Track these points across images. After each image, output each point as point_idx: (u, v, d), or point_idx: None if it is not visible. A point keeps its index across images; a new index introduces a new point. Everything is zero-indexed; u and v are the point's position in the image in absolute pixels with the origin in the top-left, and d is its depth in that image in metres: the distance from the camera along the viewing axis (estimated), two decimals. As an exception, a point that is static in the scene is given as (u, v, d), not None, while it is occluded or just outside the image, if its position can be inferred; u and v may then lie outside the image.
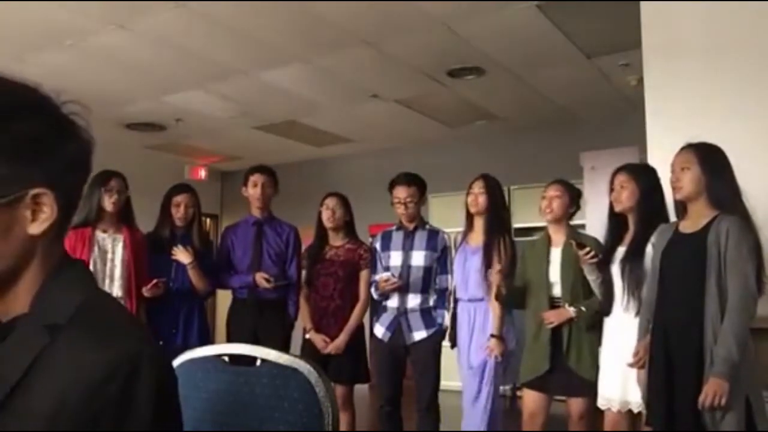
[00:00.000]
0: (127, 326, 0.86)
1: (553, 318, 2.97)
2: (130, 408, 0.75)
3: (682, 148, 2.39)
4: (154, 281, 3.27)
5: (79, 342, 0.77)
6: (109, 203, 3.27)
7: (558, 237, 3.11)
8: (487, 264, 3.22)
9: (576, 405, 2.98)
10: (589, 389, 2.85)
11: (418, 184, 3.52)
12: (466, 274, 3.35)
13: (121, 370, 0.75)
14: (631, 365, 2.54)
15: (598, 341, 2.89)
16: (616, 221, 2.83)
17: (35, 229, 0.80)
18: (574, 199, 3.15)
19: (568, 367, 2.93)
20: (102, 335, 0.79)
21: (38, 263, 0.83)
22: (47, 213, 0.80)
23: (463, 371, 3.33)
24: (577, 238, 2.93)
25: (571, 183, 3.25)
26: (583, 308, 2.91)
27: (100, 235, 3.29)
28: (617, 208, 2.78)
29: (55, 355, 0.76)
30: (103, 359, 0.75)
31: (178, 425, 0.86)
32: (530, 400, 3.06)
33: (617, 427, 2.71)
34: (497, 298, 3.13)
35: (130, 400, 0.75)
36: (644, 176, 2.77)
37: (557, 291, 3.03)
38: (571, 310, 2.94)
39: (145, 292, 3.28)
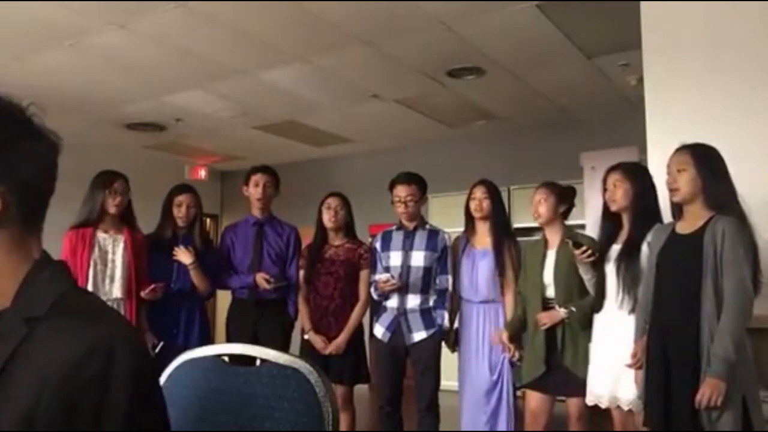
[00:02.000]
0: (104, 314, 0.91)
1: (545, 320, 3.00)
2: (108, 388, 0.78)
3: (678, 150, 2.39)
4: (152, 286, 3.27)
5: (57, 330, 0.81)
6: (112, 205, 3.27)
7: (553, 238, 3.14)
8: (499, 267, 3.33)
9: (574, 404, 3.00)
10: (586, 389, 2.87)
11: (418, 183, 3.52)
12: (476, 277, 3.40)
13: (98, 352, 0.79)
14: (629, 366, 2.55)
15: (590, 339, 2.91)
16: (611, 220, 2.85)
17: None
18: (562, 198, 3.16)
19: (565, 367, 2.95)
20: (79, 322, 0.83)
21: (5, 260, 0.87)
22: None
23: (470, 372, 3.36)
24: (573, 237, 2.94)
25: (558, 183, 3.26)
26: (573, 309, 2.93)
27: (101, 235, 3.29)
28: (612, 208, 2.80)
29: (34, 345, 0.80)
30: (80, 343, 0.79)
31: (160, 410, 0.89)
32: (532, 400, 3.09)
33: (626, 426, 2.70)
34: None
35: (107, 381, 0.78)
36: (637, 175, 2.79)
37: (551, 292, 3.05)
38: (561, 312, 2.96)
39: (143, 295, 3.28)
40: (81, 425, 0.77)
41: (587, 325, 2.91)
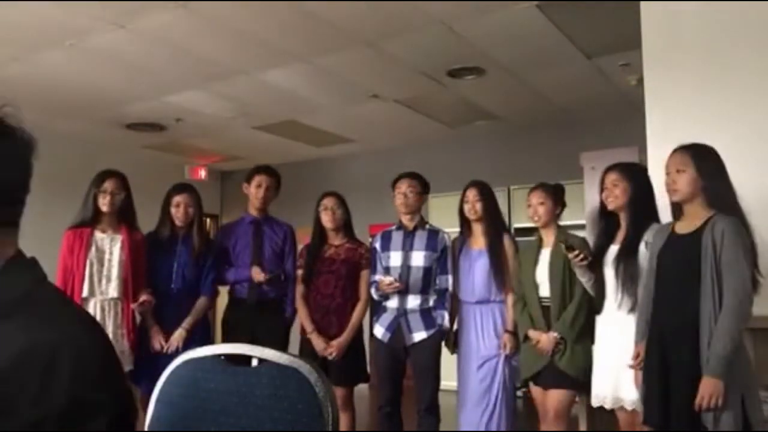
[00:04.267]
0: (61, 313, 0.89)
1: (545, 346, 2.99)
2: (49, 388, 0.79)
3: (675, 150, 2.39)
4: (141, 300, 3.25)
5: (9, 330, 0.82)
6: (103, 204, 3.27)
7: (548, 238, 3.17)
8: (494, 267, 3.34)
9: (552, 397, 3.01)
10: (566, 382, 2.93)
11: (419, 179, 3.56)
12: (472, 277, 3.41)
13: (39, 354, 0.80)
14: (632, 367, 2.55)
15: (588, 337, 2.94)
16: (608, 220, 2.86)
17: None
18: (558, 200, 3.19)
19: (558, 368, 2.98)
20: (32, 322, 0.83)
21: None
22: None
23: (468, 372, 3.37)
24: (566, 240, 2.95)
25: (551, 184, 3.26)
26: (564, 339, 2.95)
27: (98, 235, 3.28)
28: (610, 207, 2.81)
29: None
30: (26, 342, 0.80)
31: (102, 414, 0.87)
32: (537, 394, 3.12)
33: (632, 427, 2.71)
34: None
35: (50, 381, 0.79)
36: (635, 175, 2.81)
37: (544, 291, 3.07)
38: (553, 336, 2.97)
39: (133, 307, 3.27)
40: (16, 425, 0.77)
41: (585, 331, 2.93)
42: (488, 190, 3.50)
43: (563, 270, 2.99)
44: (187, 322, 3.41)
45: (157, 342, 3.32)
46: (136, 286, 3.30)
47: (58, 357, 0.80)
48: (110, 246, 3.29)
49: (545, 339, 2.99)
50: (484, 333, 3.36)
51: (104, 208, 3.27)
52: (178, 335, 3.37)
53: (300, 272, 3.57)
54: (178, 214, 3.50)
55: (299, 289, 3.57)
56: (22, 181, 0.91)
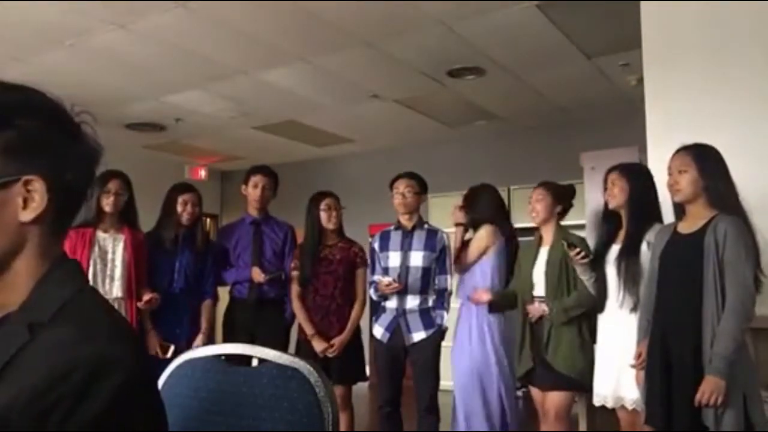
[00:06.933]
0: (104, 328, 0.85)
1: (531, 312, 3.03)
2: (78, 409, 0.75)
3: (678, 151, 2.40)
4: (148, 297, 3.26)
5: (53, 340, 0.79)
6: (106, 204, 3.27)
7: (547, 237, 3.17)
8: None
9: (550, 401, 3.00)
10: (564, 383, 2.92)
11: (417, 179, 3.57)
12: (472, 278, 3.46)
13: (80, 371, 0.75)
14: (634, 367, 2.55)
15: (588, 338, 2.94)
16: (610, 219, 2.87)
17: (25, 216, 0.84)
18: (559, 198, 3.19)
19: (547, 363, 2.97)
20: (75, 335, 0.80)
21: (31, 258, 0.86)
22: (37, 201, 0.84)
23: (465, 372, 3.37)
24: (567, 238, 2.95)
25: (557, 183, 3.27)
26: (554, 309, 2.95)
27: (100, 235, 3.28)
28: (611, 205, 2.83)
29: (31, 352, 0.78)
30: (66, 357, 0.77)
31: (146, 425, 0.84)
32: (536, 395, 3.11)
33: (632, 426, 2.71)
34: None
35: (81, 401, 0.75)
36: (635, 174, 2.83)
37: (539, 290, 3.07)
38: (543, 306, 2.98)
39: (140, 306, 3.27)
40: None
41: (572, 321, 2.93)
42: (475, 194, 3.60)
43: (560, 268, 2.99)
44: (204, 327, 3.48)
45: (154, 350, 3.31)
46: (138, 286, 3.31)
47: (99, 376, 0.76)
48: (113, 246, 3.29)
49: (534, 307, 3.03)
50: (483, 333, 3.36)
51: (107, 208, 3.27)
52: (200, 342, 3.41)
53: (295, 273, 3.53)
54: (185, 213, 3.49)
55: (295, 289, 3.53)
56: (85, 188, 0.92)
